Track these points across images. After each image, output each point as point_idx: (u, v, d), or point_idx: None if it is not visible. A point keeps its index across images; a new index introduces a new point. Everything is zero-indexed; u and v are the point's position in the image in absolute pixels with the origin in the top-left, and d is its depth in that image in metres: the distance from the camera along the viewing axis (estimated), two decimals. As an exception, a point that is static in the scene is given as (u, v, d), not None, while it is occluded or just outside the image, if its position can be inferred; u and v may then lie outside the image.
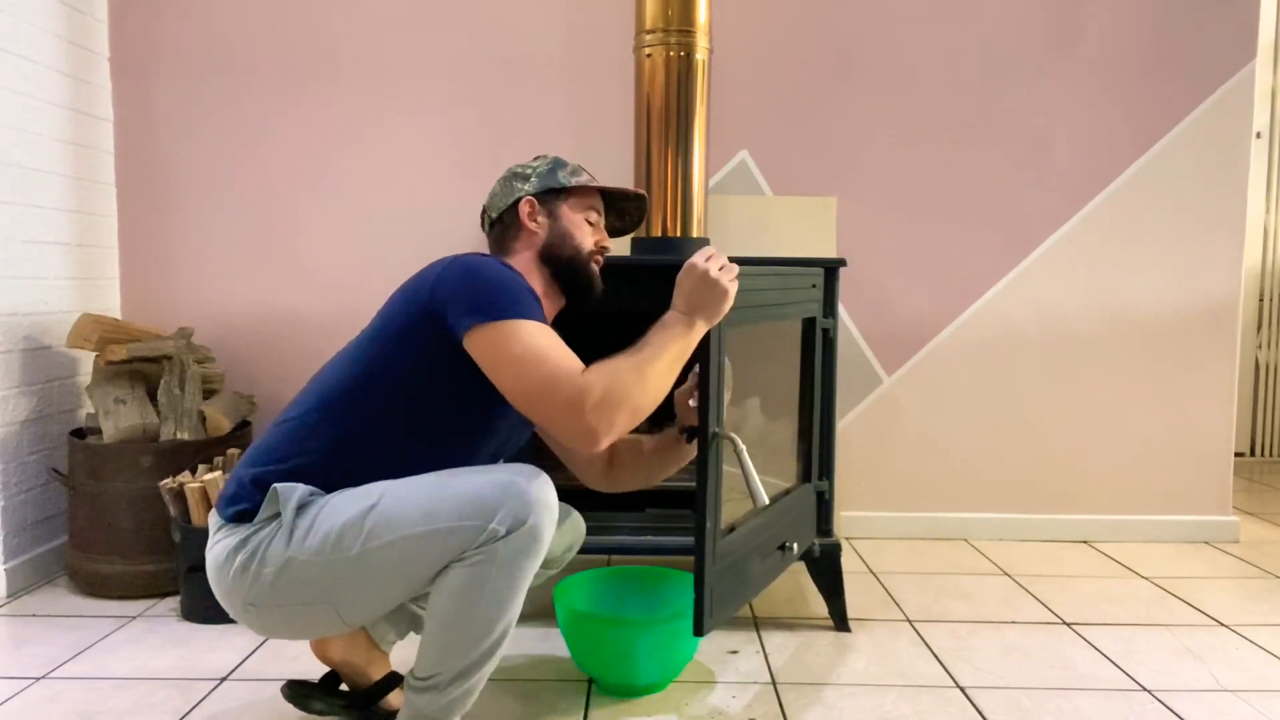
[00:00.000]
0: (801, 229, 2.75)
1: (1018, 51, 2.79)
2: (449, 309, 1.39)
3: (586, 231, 1.59)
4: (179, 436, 2.35)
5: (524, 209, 1.56)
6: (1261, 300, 4.14)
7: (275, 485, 1.36)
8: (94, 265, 2.68)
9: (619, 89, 2.63)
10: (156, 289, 2.80)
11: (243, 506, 1.39)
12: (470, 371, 1.39)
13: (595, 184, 1.62)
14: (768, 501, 1.62)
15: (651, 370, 1.38)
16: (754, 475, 1.60)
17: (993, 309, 2.84)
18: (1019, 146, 2.81)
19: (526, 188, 1.57)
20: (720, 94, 2.60)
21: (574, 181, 1.59)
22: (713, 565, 1.62)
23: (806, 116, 2.80)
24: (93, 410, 2.38)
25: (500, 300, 1.37)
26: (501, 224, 1.60)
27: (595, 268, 1.59)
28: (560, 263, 1.56)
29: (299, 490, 1.36)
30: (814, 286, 2.07)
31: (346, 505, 1.35)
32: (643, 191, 1.69)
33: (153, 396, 2.40)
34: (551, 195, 1.58)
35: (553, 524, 1.35)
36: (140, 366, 2.41)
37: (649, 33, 2.26)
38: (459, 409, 1.44)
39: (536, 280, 1.55)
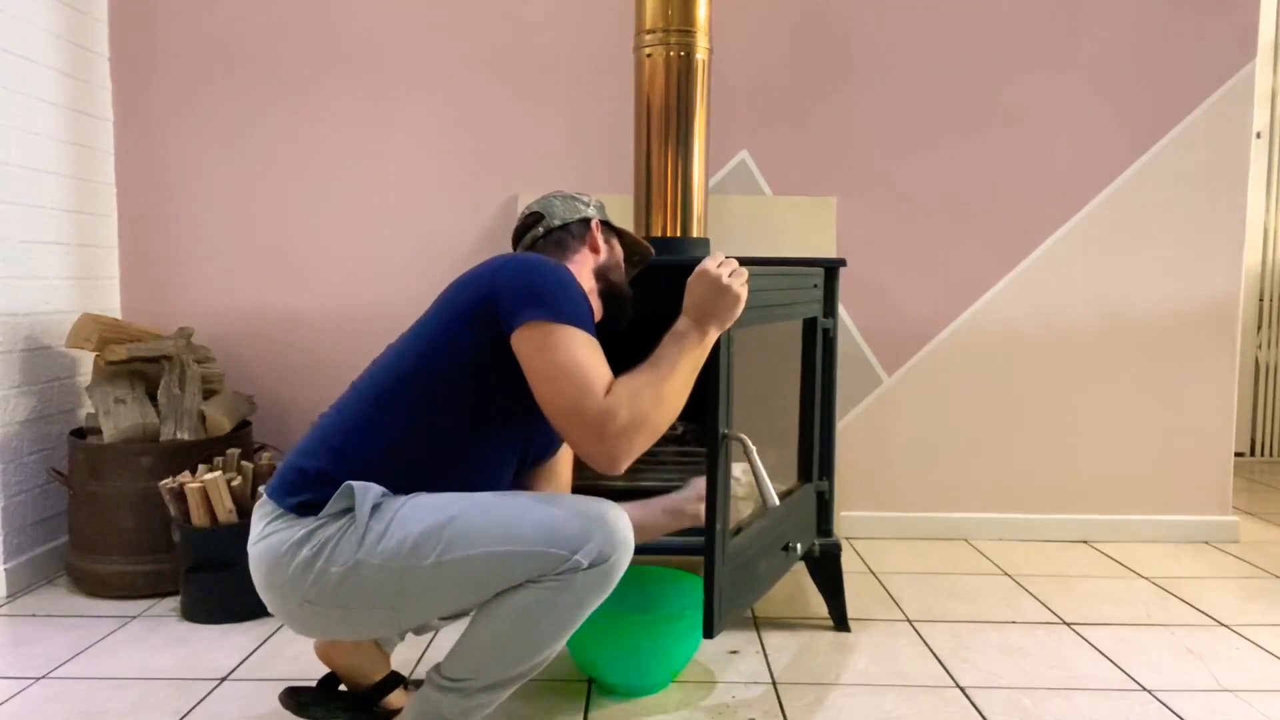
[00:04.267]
0: (801, 229, 2.75)
1: (1018, 51, 2.79)
2: (507, 299, 1.39)
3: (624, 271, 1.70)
4: (179, 436, 2.35)
5: (595, 226, 1.65)
6: (1261, 300, 4.14)
7: (350, 483, 1.33)
8: (94, 265, 2.68)
9: (619, 89, 2.63)
10: (156, 289, 2.80)
11: (306, 498, 1.36)
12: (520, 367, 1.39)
13: (628, 233, 1.72)
14: (778, 503, 1.62)
15: (669, 388, 1.39)
16: (765, 477, 1.60)
17: (993, 309, 2.84)
18: (1019, 147, 2.81)
19: (590, 211, 1.68)
20: (720, 94, 2.60)
21: (618, 226, 1.72)
22: (722, 566, 1.62)
23: (806, 116, 2.80)
24: (93, 410, 2.38)
25: (559, 302, 1.37)
26: (566, 232, 1.65)
27: (629, 303, 1.68)
28: (613, 284, 1.64)
29: (373, 490, 1.34)
30: (815, 286, 2.07)
31: (424, 513, 1.33)
32: (650, 249, 1.78)
33: (153, 396, 2.40)
34: (607, 227, 1.69)
35: (627, 565, 1.36)
36: (140, 366, 2.41)
37: (649, 33, 2.25)
38: (513, 400, 1.43)
39: (588, 289, 1.59)
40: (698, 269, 1.49)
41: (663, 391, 1.37)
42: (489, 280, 1.42)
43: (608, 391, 1.33)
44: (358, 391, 1.46)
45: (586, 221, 1.65)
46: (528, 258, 1.46)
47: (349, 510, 1.34)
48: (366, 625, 1.41)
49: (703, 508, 1.65)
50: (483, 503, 1.35)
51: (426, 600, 1.35)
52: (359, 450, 1.39)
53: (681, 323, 1.47)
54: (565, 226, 1.64)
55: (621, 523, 1.35)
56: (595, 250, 1.64)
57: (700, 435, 2.32)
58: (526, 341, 1.36)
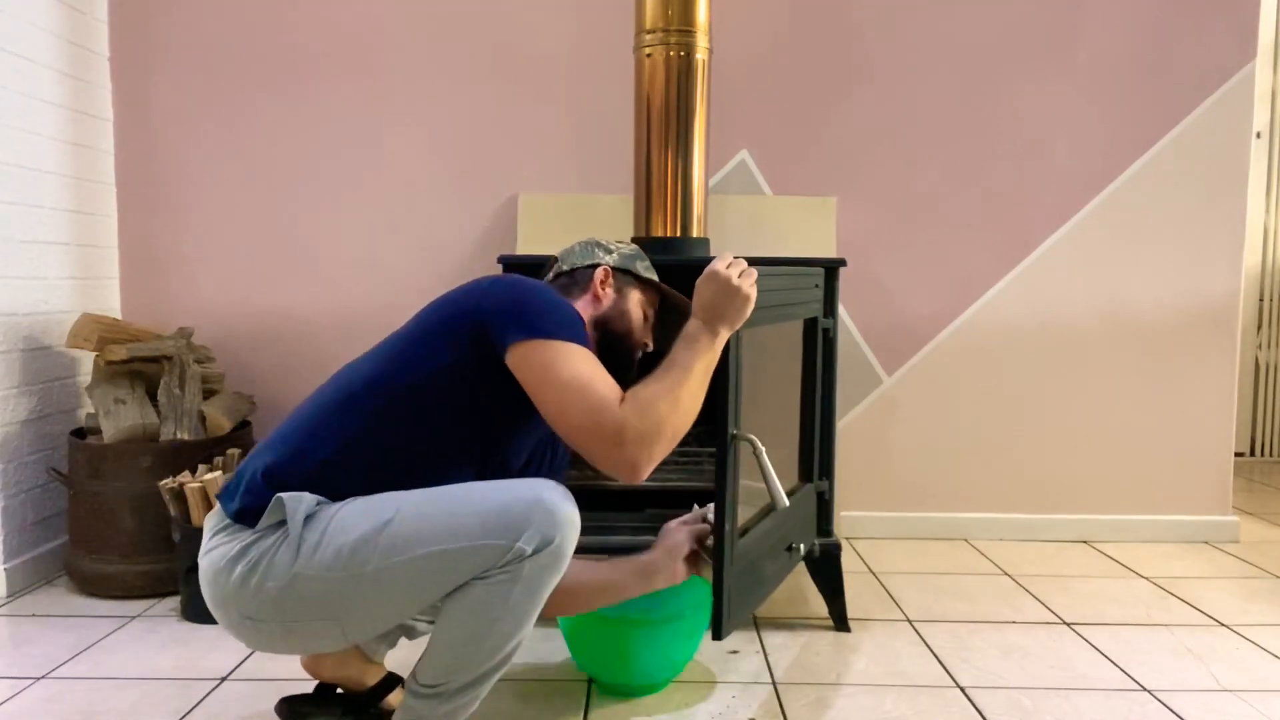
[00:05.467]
0: (801, 229, 2.75)
1: (1018, 51, 2.79)
2: (497, 320, 1.37)
3: (640, 323, 1.61)
4: (179, 436, 2.35)
5: (599, 274, 1.58)
6: (1261, 300, 4.14)
7: (281, 495, 1.30)
8: (94, 265, 2.68)
9: (619, 89, 2.62)
10: (156, 289, 2.80)
11: (248, 503, 1.34)
12: (502, 386, 1.37)
13: (662, 286, 1.65)
14: (788, 504, 1.61)
15: (684, 392, 1.38)
16: (774, 478, 1.59)
17: (993, 309, 2.84)
18: (1019, 147, 2.81)
19: (608, 259, 1.61)
20: (720, 94, 2.59)
21: (647, 276, 1.63)
22: (731, 568, 1.62)
23: (806, 116, 2.80)
24: (93, 410, 2.38)
25: (553, 321, 1.36)
26: (570, 278, 1.61)
27: (636, 357, 1.61)
28: (612, 337, 1.57)
29: (306, 500, 1.31)
30: (815, 287, 2.07)
31: (359, 519, 1.30)
32: (690, 309, 1.66)
33: (153, 396, 2.40)
34: (626, 276, 1.61)
35: (575, 541, 1.34)
36: (140, 366, 2.41)
37: (649, 33, 2.25)
38: (482, 422, 1.42)
39: None
40: (707, 270, 1.47)
41: (678, 395, 1.36)
42: (476, 300, 1.40)
43: (620, 401, 1.32)
44: (322, 394, 1.44)
45: (594, 268, 1.60)
46: (514, 278, 1.44)
47: (285, 522, 1.31)
48: (310, 640, 1.38)
49: (679, 567, 1.59)
50: (419, 501, 1.32)
51: (370, 610, 1.32)
52: (310, 453, 1.36)
53: (692, 325, 1.46)
54: (571, 272, 1.61)
55: (562, 502, 1.32)
56: (597, 299, 1.57)
57: (700, 436, 2.32)
58: (525, 362, 1.34)
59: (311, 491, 1.33)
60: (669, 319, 1.68)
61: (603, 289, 1.58)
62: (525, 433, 1.47)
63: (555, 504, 1.31)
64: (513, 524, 1.28)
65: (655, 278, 1.65)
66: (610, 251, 1.63)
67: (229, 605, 1.35)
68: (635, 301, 1.61)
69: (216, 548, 1.36)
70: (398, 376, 1.40)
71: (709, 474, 2.20)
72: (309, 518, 1.31)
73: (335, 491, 1.35)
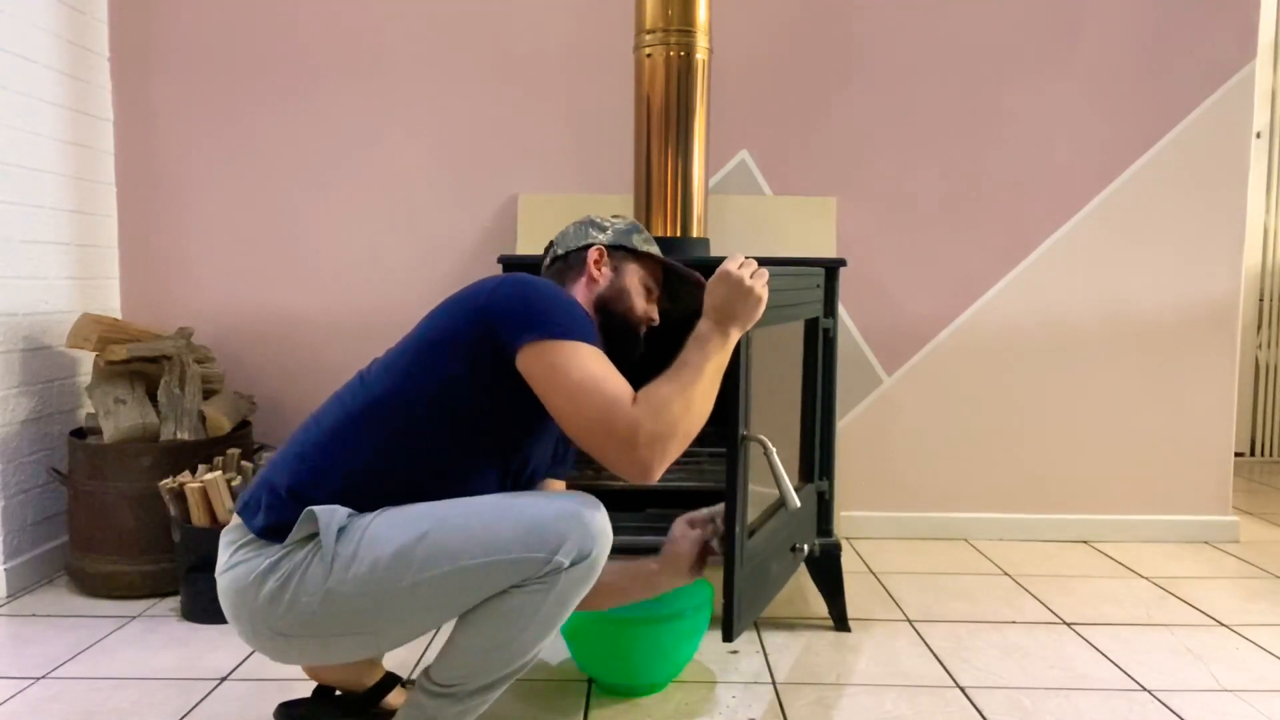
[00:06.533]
0: (801, 229, 2.75)
1: (1018, 51, 2.79)
2: (505, 322, 1.36)
3: (643, 298, 1.60)
4: (179, 436, 2.35)
5: (592, 254, 1.57)
6: (1261, 300, 4.14)
7: (313, 508, 1.29)
8: (94, 265, 2.68)
9: (619, 89, 2.63)
10: (156, 289, 2.80)
11: (276, 520, 1.32)
12: (517, 389, 1.36)
13: (662, 258, 1.63)
14: (799, 504, 1.61)
15: (696, 392, 1.36)
16: (785, 478, 1.59)
17: (993, 309, 2.84)
18: (1019, 146, 2.81)
19: (601, 238, 1.59)
20: (720, 94, 2.60)
21: (645, 249, 1.61)
22: (741, 569, 1.62)
23: (806, 116, 2.80)
24: (93, 410, 2.38)
25: (562, 320, 1.35)
26: (565, 262, 1.59)
27: (641, 333, 1.60)
28: (613, 316, 1.55)
29: (339, 513, 1.30)
30: (816, 287, 2.07)
31: (394, 532, 1.29)
32: (702, 279, 1.57)
33: (153, 396, 2.40)
34: (621, 252, 1.59)
35: (608, 553, 1.35)
36: (140, 366, 2.41)
37: (649, 33, 2.25)
38: (502, 425, 1.41)
39: None
40: (719, 270, 1.46)
41: (690, 396, 1.35)
42: (483, 302, 1.39)
43: (633, 402, 1.31)
44: (339, 404, 1.42)
45: (587, 248, 1.58)
46: (520, 277, 1.43)
47: (316, 535, 1.30)
48: (344, 652, 1.38)
49: (684, 578, 1.61)
50: (454, 513, 1.31)
51: (407, 621, 1.32)
52: (335, 467, 1.35)
53: (703, 325, 1.45)
54: (565, 256, 1.60)
55: (595, 514, 1.33)
56: (593, 280, 1.56)
57: (703, 437, 2.32)
58: (535, 362, 1.33)
59: (340, 505, 1.33)
60: (678, 290, 1.66)
61: (598, 269, 1.57)
62: (544, 432, 1.47)
63: (590, 517, 1.32)
64: (549, 537, 1.28)
65: (655, 250, 1.62)
66: (604, 229, 1.60)
67: (257, 622, 1.33)
68: (634, 277, 1.59)
69: (241, 563, 1.34)
70: (414, 387, 1.38)
71: (710, 475, 2.20)
72: (341, 530, 1.30)
73: (363, 504, 1.34)
